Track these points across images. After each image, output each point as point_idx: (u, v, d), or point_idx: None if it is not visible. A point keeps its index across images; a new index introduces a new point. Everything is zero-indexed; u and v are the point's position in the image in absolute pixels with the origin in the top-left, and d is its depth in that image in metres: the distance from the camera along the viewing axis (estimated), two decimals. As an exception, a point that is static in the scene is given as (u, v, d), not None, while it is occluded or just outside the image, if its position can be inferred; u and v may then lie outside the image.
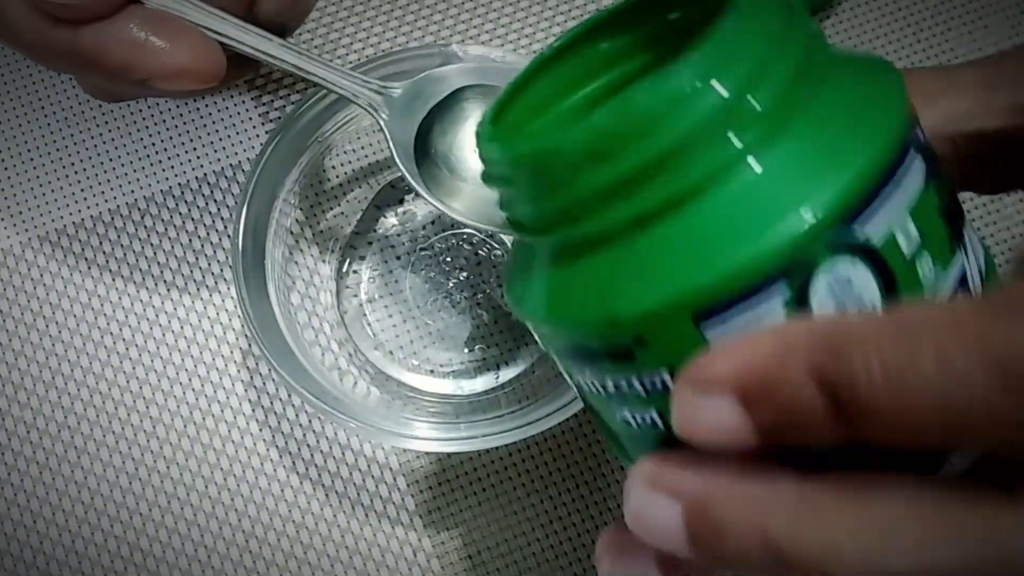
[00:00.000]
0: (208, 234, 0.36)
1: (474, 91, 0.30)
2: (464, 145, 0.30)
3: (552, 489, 0.34)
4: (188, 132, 0.37)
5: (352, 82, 0.30)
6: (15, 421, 0.34)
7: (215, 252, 0.36)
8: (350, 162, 0.37)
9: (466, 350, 0.35)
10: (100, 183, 0.37)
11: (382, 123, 0.30)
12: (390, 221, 0.36)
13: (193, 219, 0.36)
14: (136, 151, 0.37)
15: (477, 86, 0.30)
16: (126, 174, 0.37)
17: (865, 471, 0.17)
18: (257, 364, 0.35)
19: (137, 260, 0.36)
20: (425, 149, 0.30)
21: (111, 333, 0.35)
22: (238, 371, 0.35)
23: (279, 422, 0.34)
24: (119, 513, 0.33)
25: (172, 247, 0.36)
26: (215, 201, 0.36)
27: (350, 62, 0.38)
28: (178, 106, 0.37)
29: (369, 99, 0.30)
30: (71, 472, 0.34)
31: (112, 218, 0.36)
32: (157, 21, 0.28)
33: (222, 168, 0.37)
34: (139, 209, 0.36)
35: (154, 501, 0.33)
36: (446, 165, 0.30)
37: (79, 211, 0.36)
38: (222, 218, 0.36)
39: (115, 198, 0.36)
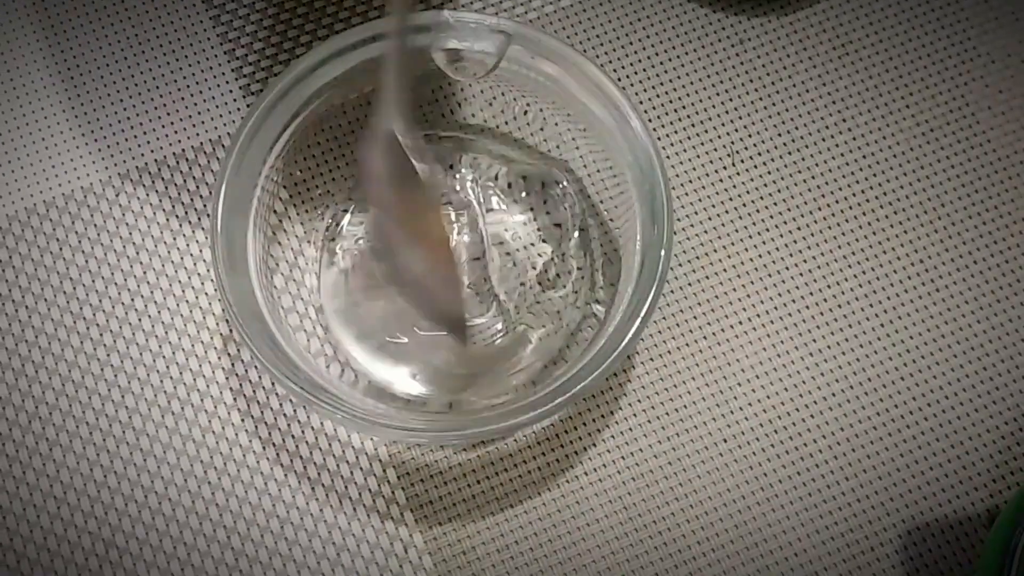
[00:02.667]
0: (187, 213, 0.34)
1: None
2: None
3: (551, 481, 0.32)
4: (165, 105, 0.35)
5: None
6: (-17, 411, 0.32)
7: (194, 232, 0.34)
8: (336, 137, 0.35)
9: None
10: (72, 159, 0.35)
11: None
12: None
13: (171, 197, 0.34)
14: (110, 125, 0.35)
15: None
16: (99, 150, 0.35)
17: None
18: (238, 350, 0.33)
19: (111, 240, 0.34)
20: None
21: (84, 318, 0.33)
22: (218, 358, 0.33)
23: (262, 411, 0.33)
24: (93, 508, 0.32)
25: (148, 227, 0.34)
26: (194, 178, 0.35)
27: (336, 31, 0.36)
28: (155, 78, 0.35)
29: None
30: (42, 465, 0.32)
31: (85, 196, 0.34)
32: None
33: (201, 143, 0.35)
34: (113, 187, 0.34)
35: (130, 495, 0.32)
36: None
37: (50, 189, 0.34)
38: (201, 196, 0.34)
39: (88, 175, 0.34)
